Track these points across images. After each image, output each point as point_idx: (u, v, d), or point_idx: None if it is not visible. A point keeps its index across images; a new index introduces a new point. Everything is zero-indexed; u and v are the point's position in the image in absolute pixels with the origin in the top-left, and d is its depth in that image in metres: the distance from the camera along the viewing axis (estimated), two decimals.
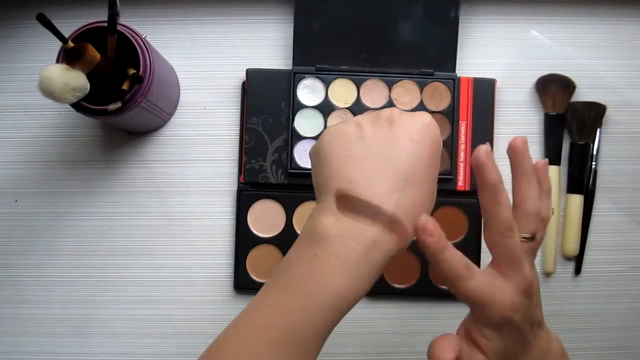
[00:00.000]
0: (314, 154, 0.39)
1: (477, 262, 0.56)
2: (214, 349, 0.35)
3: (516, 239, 0.35)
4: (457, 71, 0.56)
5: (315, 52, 0.56)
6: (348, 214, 0.34)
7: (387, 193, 0.34)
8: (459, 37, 0.56)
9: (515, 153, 0.36)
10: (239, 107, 0.57)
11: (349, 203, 0.35)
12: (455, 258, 0.35)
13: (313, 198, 0.55)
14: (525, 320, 0.36)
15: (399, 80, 0.56)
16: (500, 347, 0.36)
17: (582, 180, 0.57)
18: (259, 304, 0.35)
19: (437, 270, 0.35)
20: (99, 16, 0.46)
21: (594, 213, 0.57)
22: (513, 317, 0.35)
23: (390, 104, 0.56)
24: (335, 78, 0.56)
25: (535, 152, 0.58)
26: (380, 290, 0.56)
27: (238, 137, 0.57)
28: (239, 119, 0.57)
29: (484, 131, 0.56)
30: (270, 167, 0.56)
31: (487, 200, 0.35)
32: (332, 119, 0.56)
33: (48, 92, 0.42)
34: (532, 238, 0.36)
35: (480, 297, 0.35)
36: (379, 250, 0.34)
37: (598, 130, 0.57)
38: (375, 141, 0.36)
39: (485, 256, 0.56)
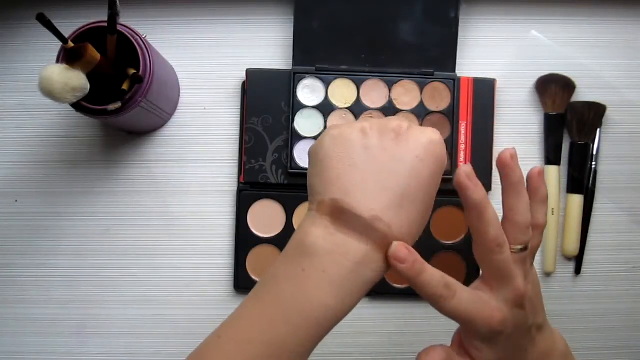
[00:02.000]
0: (312, 154, 0.37)
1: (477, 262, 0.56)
2: (195, 357, 0.34)
3: (505, 254, 0.35)
4: (457, 71, 0.56)
5: (315, 52, 0.56)
6: (340, 228, 0.33)
7: (383, 210, 0.33)
8: (459, 37, 0.56)
9: (503, 166, 0.36)
10: (239, 107, 0.57)
11: (342, 216, 0.33)
12: (433, 280, 0.34)
13: None
14: (518, 329, 0.36)
15: (399, 80, 0.56)
16: (494, 357, 0.36)
17: (582, 180, 0.57)
18: (243, 316, 0.34)
19: (420, 292, 0.35)
20: (99, 16, 0.46)
21: (594, 213, 0.57)
22: (502, 330, 0.35)
23: (390, 104, 0.56)
24: (335, 78, 0.56)
25: (535, 152, 0.58)
26: (380, 290, 0.56)
27: (238, 137, 0.57)
28: (239, 119, 0.57)
29: (484, 131, 0.56)
30: (270, 167, 0.56)
31: (473, 219, 0.35)
32: (332, 119, 0.56)
33: (48, 92, 0.42)
34: (524, 249, 0.36)
35: (463, 315, 0.35)
36: (368, 269, 0.33)
37: (598, 130, 0.57)
38: (379, 153, 0.34)
39: None
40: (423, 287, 0.34)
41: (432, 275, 0.34)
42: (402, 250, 0.33)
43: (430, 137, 0.35)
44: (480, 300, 0.35)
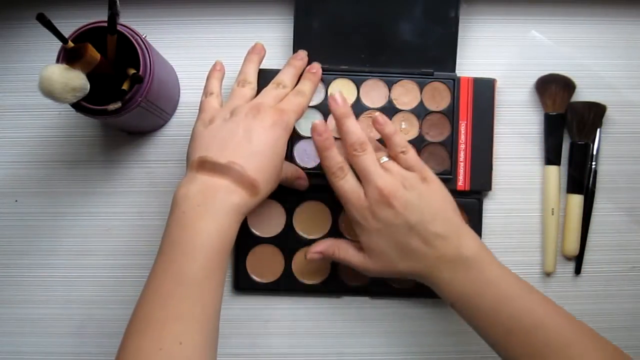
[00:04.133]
0: (191, 136, 0.47)
1: None
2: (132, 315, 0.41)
3: (363, 157, 0.47)
4: (457, 71, 0.56)
5: (315, 52, 0.55)
6: (204, 172, 0.43)
7: (237, 158, 0.44)
8: (459, 37, 0.56)
9: (334, 110, 0.49)
10: None
11: (205, 165, 0.44)
12: (334, 159, 0.47)
13: (313, 198, 0.56)
14: (391, 225, 0.45)
15: (399, 80, 0.56)
16: (371, 244, 0.47)
17: (582, 180, 0.57)
18: (151, 272, 0.42)
19: (322, 164, 0.48)
20: (99, 16, 0.46)
21: (594, 213, 0.57)
22: (362, 218, 0.46)
23: (390, 103, 0.56)
24: (335, 78, 0.56)
25: (535, 152, 0.58)
26: (380, 290, 0.56)
27: None
28: None
29: (484, 131, 0.56)
30: None
31: (339, 128, 0.49)
32: (332, 119, 0.56)
33: (48, 92, 0.42)
34: (388, 160, 0.48)
35: (343, 195, 0.47)
36: (233, 196, 0.43)
37: (598, 130, 0.57)
38: (236, 124, 0.45)
39: None
40: (325, 160, 0.48)
41: (335, 155, 0.47)
42: (321, 124, 0.48)
43: (272, 115, 0.47)
44: (359, 189, 0.47)
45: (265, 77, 0.56)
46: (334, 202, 0.53)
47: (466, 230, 0.47)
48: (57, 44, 0.45)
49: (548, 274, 0.57)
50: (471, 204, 0.56)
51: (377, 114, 0.49)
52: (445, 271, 0.45)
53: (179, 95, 0.58)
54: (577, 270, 0.57)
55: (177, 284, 0.40)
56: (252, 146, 0.44)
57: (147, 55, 0.47)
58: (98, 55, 0.45)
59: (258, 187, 0.44)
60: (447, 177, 0.55)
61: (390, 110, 0.56)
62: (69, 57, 0.44)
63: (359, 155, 0.47)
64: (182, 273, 0.40)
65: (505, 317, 0.43)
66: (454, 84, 0.55)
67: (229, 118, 0.46)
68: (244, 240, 0.56)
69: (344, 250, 0.49)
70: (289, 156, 0.55)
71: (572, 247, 0.56)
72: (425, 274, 0.46)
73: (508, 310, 0.43)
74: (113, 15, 0.44)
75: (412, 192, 0.46)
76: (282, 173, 0.48)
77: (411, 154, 0.48)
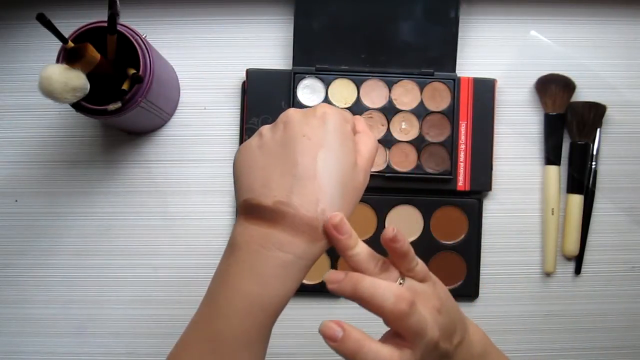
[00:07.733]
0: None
1: (477, 262, 0.56)
2: None
3: (417, 312, 0.34)
4: (457, 71, 0.56)
5: (315, 52, 0.56)
6: (251, 221, 0.35)
7: (284, 194, 0.34)
8: (459, 37, 0.56)
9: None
10: (239, 107, 0.57)
11: (251, 211, 0.35)
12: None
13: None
14: (427, 356, 0.35)
15: (399, 80, 0.56)
16: None
17: (582, 180, 0.57)
18: (192, 318, 0.36)
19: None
20: (99, 16, 0.46)
21: (594, 213, 0.57)
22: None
23: (390, 104, 0.56)
24: (335, 78, 0.56)
25: (535, 152, 0.58)
26: None
27: (238, 137, 0.57)
28: (239, 119, 0.57)
29: (484, 131, 0.56)
30: None
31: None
32: None
33: (48, 92, 0.42)
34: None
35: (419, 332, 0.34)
36: (285, 252, 0.34)
37: (598, 130, 0.57)
38: (271, 146, 0.36)
39: (486, 256, 0.56)
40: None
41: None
42: (333, 277, 0.35)
43: (314, 113, 0.36)
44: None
45: (262, 78, 0.56)
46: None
47: (468, 321, 0.40)
48: (57, 44, 0.45)
49: (548, 274, 0.57)
50: (471, 204, 0.56)
51: (391, 228, 0.35)
52: None
53: (179, 95, 0.58)
54: (577, 270, 0.57)
55: (209, 348, 0.34)
56: (300, 169, 0.34)
57: (147, 55, 0.47)
58: (98, 55, 0.45)
59: (320, 226, 0.34)
60: (447, 178, 0.55)
61: (390, 110, 0.56)
62: (69, 57, 0.44)
63: (411, 314, 0.34)
64: (216, 337, 0.34)
65: None
66: (454, 84, 0.55)
67: (266, 138, 0.37)
68: None
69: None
70: None
71: (572, 247, 0.56)
72: None
73: None
74: (113, 15, 0.44)
75: (444, 314, 0.36)
76: (359, 190, 0.37)
77: (421, 263, 0.37)
